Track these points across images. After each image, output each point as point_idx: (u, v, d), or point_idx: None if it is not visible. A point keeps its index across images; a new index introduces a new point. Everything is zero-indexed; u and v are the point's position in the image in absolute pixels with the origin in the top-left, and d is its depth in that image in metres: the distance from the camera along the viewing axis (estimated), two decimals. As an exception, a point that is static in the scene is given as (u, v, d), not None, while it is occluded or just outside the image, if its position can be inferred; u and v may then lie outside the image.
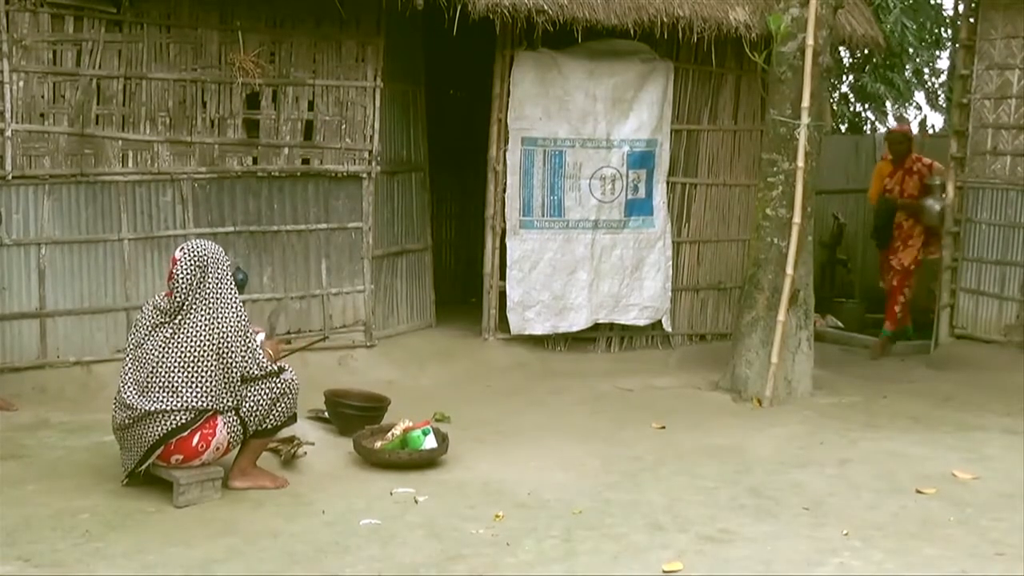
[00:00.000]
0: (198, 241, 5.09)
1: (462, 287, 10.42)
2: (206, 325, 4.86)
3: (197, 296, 4.89)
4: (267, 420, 5.07)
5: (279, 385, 5.07)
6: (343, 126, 8.01)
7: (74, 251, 7.19)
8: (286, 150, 7.84)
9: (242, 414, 4.98)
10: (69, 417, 6.31)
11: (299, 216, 7.96)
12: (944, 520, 4.91)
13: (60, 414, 6.38)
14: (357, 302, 8.23)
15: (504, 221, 8.60)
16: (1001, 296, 8.92)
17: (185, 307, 4.88)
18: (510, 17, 7.86)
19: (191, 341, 4.84)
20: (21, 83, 6.91)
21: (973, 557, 4.43)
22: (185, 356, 4.83)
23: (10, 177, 6.90)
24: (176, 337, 4.85)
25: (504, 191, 8.59)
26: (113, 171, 7.27)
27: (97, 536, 4.45)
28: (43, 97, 7.00)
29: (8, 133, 6.87)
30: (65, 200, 7.13)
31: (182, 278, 4.89)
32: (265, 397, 5.03)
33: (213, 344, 4.85)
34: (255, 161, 7.77)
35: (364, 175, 8.12)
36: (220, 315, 4.89)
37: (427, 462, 5.61)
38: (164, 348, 4.85)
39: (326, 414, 6.28)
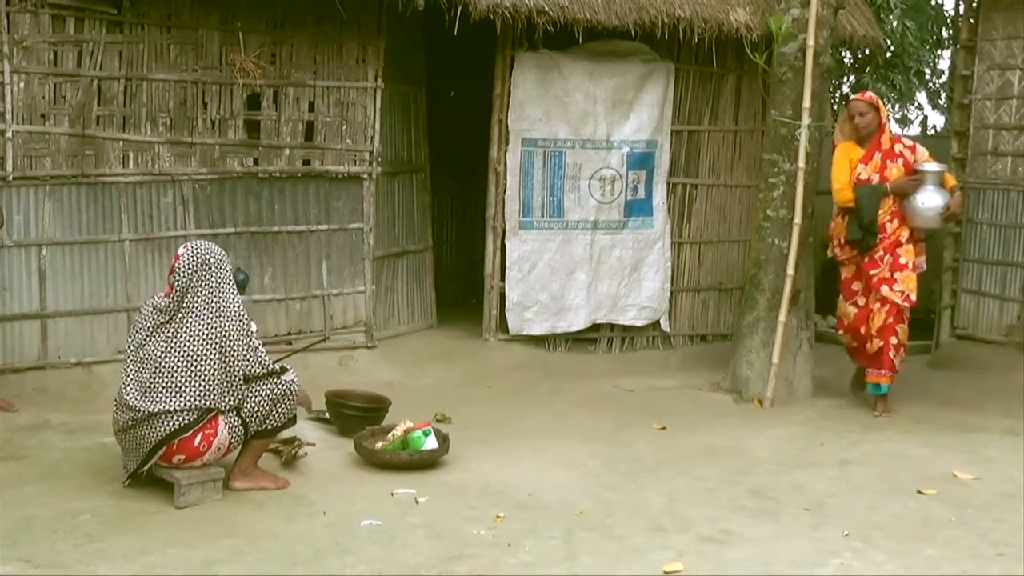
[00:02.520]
0: (200, 241, 5.12)
1: (463, 288, 10.42)
2: (208, 324, 4.87)
3: (197, 293, 4.91)
4: (268, 420, 5.07)
5: (280, 386, 5.08)
6: (344, 127, 8.01)
7: (75, 252, 7.19)
8: (287, 151, 7.85)
9: (243, 414, 4.98)
10: (70, 418, 6.31)
11: (300, 217, 7.97)
12: (945, 521, 4.92)
13: (61, 415, 6.37)
14: (358, 303, 8.23)
15: (504, 222, 8.61)
16: (1002, 297, 8.92)
17: (185, 304, 4.90)
18: (511, 18, 7.86)
19: (193, 340, 4.85)
20: (22, 84, 6.91)
21: (974, 558, 4.44)
22: (187, 354, 4.84)
23: (11, 178, 6.90)
24: (178, 336, 4.87)
25: (504, 192, 8.59)
26: (114, 172, 7.27)
27: (98, 537, 4.45)
28: (44, 98, 7.00)
29: (9, 134, 6.88)
30: (66, 201, 7.13)
31: (183, 273, 4.91)
32: (266, 398, 5.03)
33: (215, 343, 4.87)
34: (256, 162, 7.77)
35: (365, 176, 8.12)
36: (222, 314, 4.91)
37: (428, 463, 5.61)
38: (166, 348, 4.86)
39: (327, 415, 6.28)
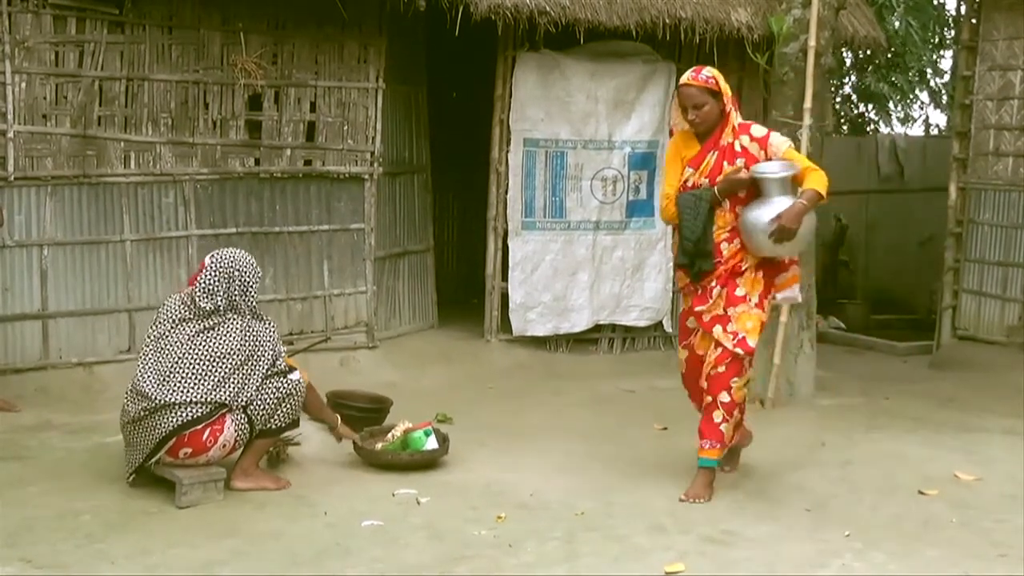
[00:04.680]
0: (227, 249, 5.23)
1: (464, 288, 10.42)
2: (240, 330, 4.98)
3: (227, 303, 5.02)
4: (272, 419, 5.08)
5: (286, 385, 5.10)
6: (345, 127, 8.01)
7: (76, 252, 7.19)
8: (288, 151, 7.85)
9: (250, 412, 5.00)
10: (71, 418, 6.32)
11: (301, 217, 7.97)
12: (946, 521, 4.92)
13: (62, 415, 6.38)
14: (359, 303, 8.23)
15: (506, 222, 8.61)
16: (1003, 297, 8.93)
17: (216, 314, 5.00)
18: (512, 18, 7.87)
19: (222, 338, 4.94)
20: (23, 84, 6.91)
21: (975, 558, 4.43)
22: (213, 350, 4.91)
23: (12, 178, 6.90)
24: (206, 333, 4.95)
25: (506, 192, 8.60)
26: (115, 172, 7.27)
27: (99, 537, 4.45)
28: (45, 98, 7.00)
29: (10, 134, 6.88)
30: (67, 201, 7.13)
31: (209, 286, 5.01)
32: (273, 396, 5.05)
33: (245, 346, 4.97)
34: (257, 162, 7.77)
35: (366, 176, 8.12)
36: (251, 322, 5.03)
37: (428, 463, 5.60)
38: (191, 341, 4.93)
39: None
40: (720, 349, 5.13)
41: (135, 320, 7.30)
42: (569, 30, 8.15)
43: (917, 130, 17.16)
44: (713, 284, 5.19)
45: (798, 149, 7.20)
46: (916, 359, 9.41)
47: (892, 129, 16.68)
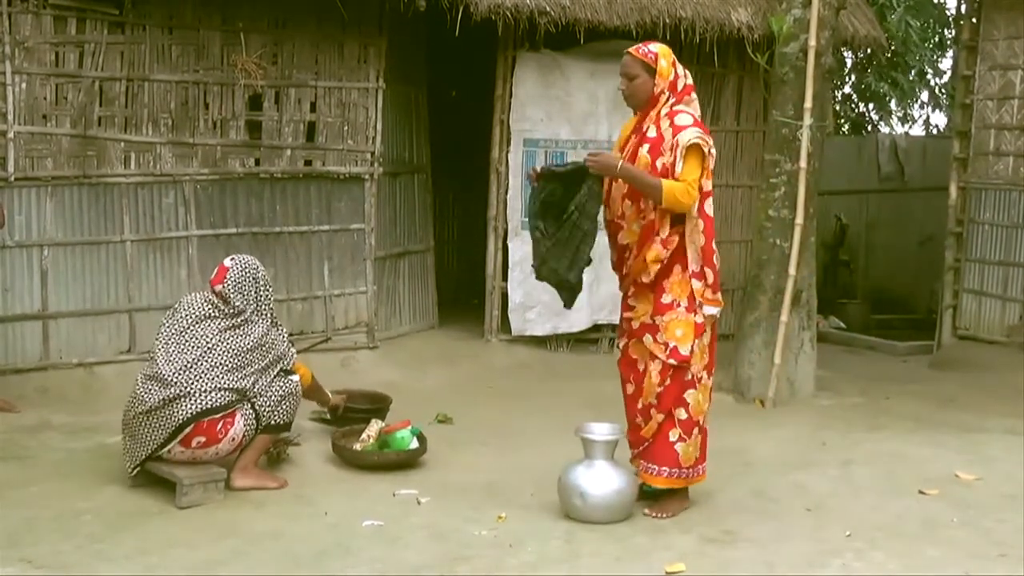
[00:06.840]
0: (244, 256, 5.33)
1: (465, 288, 10.42)
2: (263, 334, 5.12)
3: (257, 307, 5.16)
4: (274, 415, 5.12)
5: (288, 384, 5.19)
6: (345, 128, 8.01)
7: (76, 253, 7.19)
8: (288, 152, 7.85)
9: (257, 406, 5.04)
10: (71, 419, 6.31)
11: (301, 218, 7.97)
12: (947, 521, 4.91)
13: (62, 416, 6.38)
14: (359, 303, 8.23)
15: (506, 222, 8.61)
16: (1004, 297, 8.93)
17: (243, 313, 5.11)
18: (512, 18, 7.87)
19: (248, 338, 5.06)
20: (23, 85, 6.91)
21: (976, 558, 4.43)
22: (240, 346, 5.03)
23: (12, 179, 6.90)
24: (233, 330, 5.06)
25: (506, 192, 8.60)
26: (115, 173, 7.27)
27: (100, 537, 4.45)
28: (45, 99, 7.00)
29: (11, 135, 6.88)
30: (67, 202, 7.13)
31: (241, 289, 5.14)
32: (276, 393, 5.12)
33: (267, 351, 5.11)
34: (257, 163, 7.77)
35: (366, 176, 8.12)
36: (270, 328, 5.18)
37: (409, 462, 5.61)
38: (219, 336, 5.04)
39: (329, 415, 6.27)
40: (658, 362, 4.74)
41: (135, 320, 7.31)
42: (569, 30, 8.15)
43: (917, 130, 17.17)
44: (631, 291, 4.86)
45: (798, 148, 7.24)
46: (916, 359, 9.41)
47: (892, 129, 16.68)
